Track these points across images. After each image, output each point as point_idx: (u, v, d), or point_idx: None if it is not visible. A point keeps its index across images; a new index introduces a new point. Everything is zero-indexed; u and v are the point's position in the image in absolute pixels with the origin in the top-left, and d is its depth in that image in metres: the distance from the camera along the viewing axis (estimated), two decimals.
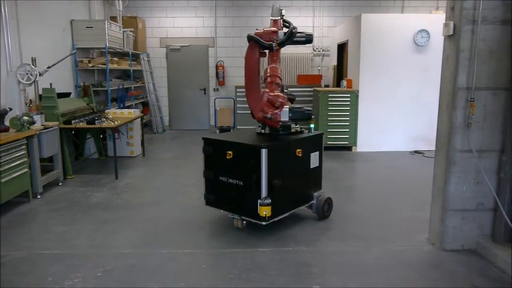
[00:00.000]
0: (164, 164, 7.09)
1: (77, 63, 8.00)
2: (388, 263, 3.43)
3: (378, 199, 5.12)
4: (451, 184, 3.57)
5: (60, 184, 5.74)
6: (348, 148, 7.99)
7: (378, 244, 3.79)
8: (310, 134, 4.29)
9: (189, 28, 10.84)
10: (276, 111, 3.78)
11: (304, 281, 3.14)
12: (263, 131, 4.23)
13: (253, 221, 3.80)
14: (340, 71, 9.57)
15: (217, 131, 10.23)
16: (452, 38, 3.50)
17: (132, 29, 9.78)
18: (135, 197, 5.21)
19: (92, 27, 7.98)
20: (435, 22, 7.35)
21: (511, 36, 3.34)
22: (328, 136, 7.89)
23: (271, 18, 4.10)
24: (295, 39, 3.98)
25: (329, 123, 7.83)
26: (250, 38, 3.90)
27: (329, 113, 7.78)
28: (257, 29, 4.04)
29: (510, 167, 3.34)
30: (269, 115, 3.73)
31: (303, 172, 4.20)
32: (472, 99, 3.40)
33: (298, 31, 4.08)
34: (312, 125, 4.40)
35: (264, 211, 3.63)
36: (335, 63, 9.87)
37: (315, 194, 4.32)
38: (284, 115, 3.99)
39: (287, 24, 4.15)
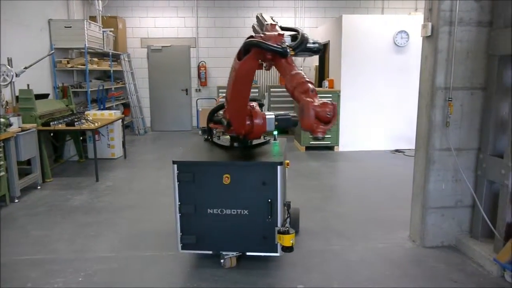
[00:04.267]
0: (146, 166, 7.02)
1: (56, 63, 7.85)
2: (371, 261, 3.48)
3: (360, 198, 5.18)
4: (430, 182, 3.64)
5: (39, 187, 5.61)
6: (330, 148, 8.06)
7: (361, 242, 3.84)
8: (276, 142, 3.75)
9: (170, 28, 10.76)
10: (327, 127, 2.46)
11: (288, 281, 3.15)
12: (236, 144, 3.58)
13: (264, 254, 3.27)
14: (322, 71, 9.65)
15: (200, 132, 10.19)
16: (430, 38, 3.57)
17: (112, 29, 9.65)
18: (116, 200, 5.14)
19: (70, 27, 7.85)
20: (414, 23, 7.49)
21: (486, 37, 3.43)
22: (310, 136, 7.93)
23: (267, 23, 3.10)
24: (308, 45, 2.93)
25: None
26: (254, 45, 2.74)
27: None
28: (253, 36, 2.95)
29: (487, 165, 3.43)
30: (320, 136, 2.43)
31: (284, 182, 3.61)
32: (450, 99, 3.47)
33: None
34: (275, 132, 3.75)
35: (291, 240, 2.96)
36: (317, 64, 9.94)
37: (287, 201, 3.80)
38: (270, 124, 3.34)
39: (289, 32, 3.10)
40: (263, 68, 3.02)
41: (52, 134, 6.48)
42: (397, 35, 7.72)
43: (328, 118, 2.38)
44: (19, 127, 5.24)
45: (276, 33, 2.87)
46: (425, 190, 3.66)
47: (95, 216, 4.58)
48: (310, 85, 2.57)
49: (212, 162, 3.22)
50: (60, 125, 5.94)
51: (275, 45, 2.70)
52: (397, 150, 7.93)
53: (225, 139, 3.75)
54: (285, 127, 3.51)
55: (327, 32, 8.93)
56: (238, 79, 2.99)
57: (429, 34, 3.54)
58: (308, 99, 2.44)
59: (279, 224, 3.05)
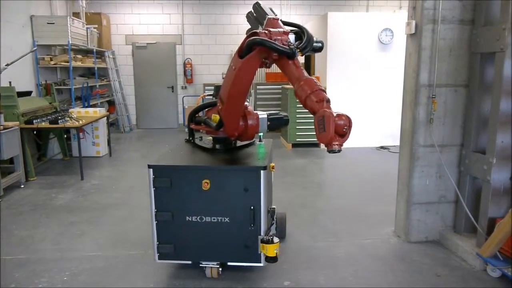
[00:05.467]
0: (131, 164, 6.96)
1: (38, 60, 7.71)
2: (357, 256, 3.51)
3: (346, 194, 5.23)
4: (415, 178, 3.69)
5: (22, 186, 5.52)
6: (316, 145, 8.10)
7: (347, 238, 3.88)
8: (261, 144, 3.54)
9: (155, 25, 10.67)
10: (343, 140, 2.31)
11: (274, 278, 3.16)
12: (218, 146, 3.37)
13: (248, 264, 3.10)
14: (308, 68, 9.67)
15: (186, 129, 10.13)
16: (414, 36, 3.61)
17: (96, 26, 9.53)
18: (102, 198, 5.09)
19: (53, 23, 7.72)
20: (398, 21, 7.56)
21: (469, 35, 3.49)
22: (297, 133, 7.98)
23: (268, 16, 2.87)
24: (314, 44, 2.80)
25: (297, 120, 7.91)
26: (259, 43, 2.56)
27: (297, 110, 7.85)
28: (256, 31, 2.71)
29: (470, 161, 3.49)
30: (337, 149, 2.27)
31: (270, 187, 3.35)
32: (433, 96, 3.52)
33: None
34: (261, 133, 3.48)
35: (275, 249, 2.79)
36: (303, 61, 9.96)
37: (271, 207, 3.41)
38: (262, 124, 3.16)
39: (291, 27, 2.88)
40: (265, 66, 2.78)
41: (35, 132, 6.38)
42: (382, 32, 7.79)
43: (345, 132, 2.25)
44: (1, 125, 5.13)
45: (281, 30, 2.67)
46: (410, 186, 3.71)
47: (80, 215, 4.52)
48: (325, 93, 2.41)
49: (190, 167, 2.98)
50: (43, 123, 5.85)
51: (283, 46, 2.53)
52: (382, 147, 8.02)
53: (208, 140, 3.56)
54: (277, 127, 3.32)
55: (312, 30, 8.95)
56: (239, 78, 2.77)
57: (413, 32, 3.58)
58: (327, 110, 2.27)
59: (262, 233, 2.87)
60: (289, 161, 7.02)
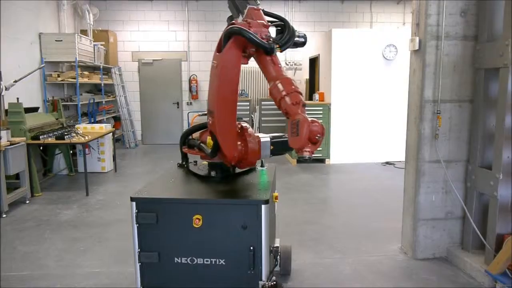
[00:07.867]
0: (136, 180, 6.96)
1: (46, 77, 7.82)
2: (363, 274, 3.47)
3: (351, 211, 5.19)
4: (421, 194, 3.66)
5: (28, 202, 5.53)
6: (321, 161, 8.09)
7: (353, 255, 3.83)
8: (263, 170, 3.09)
9: (161, 42, 10.81)
10: (315, 147, 2.20)
11: None
12: (213, 173, 2.87)
13: None
14: (312, 84, 9.74)
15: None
16: (418, 52, 3.63)
17: (103, 43, 9.67)
18: (107, 214, 5.08)
19: (61, 40, 7.85)
20: (402, 37, 7.63)
21: (472, 51, 3.51)
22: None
23: (249, 6, 2.62)
24: (295, 39, 2.63)
25: None
26: (236, 33, 2.38)
27: None
28: (232, 21, 2.57)
29: (476, 176, 3.47)
30: (307, 156, 2.18)
31: (273, 221, 2.92)
32: (438, 112, 3.52)
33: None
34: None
35: None
36: (307, 77, 10.03)
37: (274, 246, 3.07)
38: (265, 148, 2.71)
39: (273, 19, 2.65)
40: (243, 62, 2.55)
41: (41, 148, 6.42)
42: (386, 48, 7.85)
43: (317, 140, 2.13)
44: (8, 141, 5.18)
45: (261, 21, 2.47)
46: (416, 202, 3.68)
47: (85, 230, 4.52)
48: (301, 96, 2.26)
49: (179, 200, 2.55)
50: (49, 139, 5.89)
51: (261, 39, 2.34)
52: (387, 162, 7.98)
53: (203, 166, 3.11)
54: (282, 151, 2.85)
55: (317, 46, 9.03)
56: (224, 75, 2.49)
57: (416, 48, 3.60)
58: (304, 115, 2.13)
59: (263, 277, 2.42)
60: (294, 177, 7.00)
